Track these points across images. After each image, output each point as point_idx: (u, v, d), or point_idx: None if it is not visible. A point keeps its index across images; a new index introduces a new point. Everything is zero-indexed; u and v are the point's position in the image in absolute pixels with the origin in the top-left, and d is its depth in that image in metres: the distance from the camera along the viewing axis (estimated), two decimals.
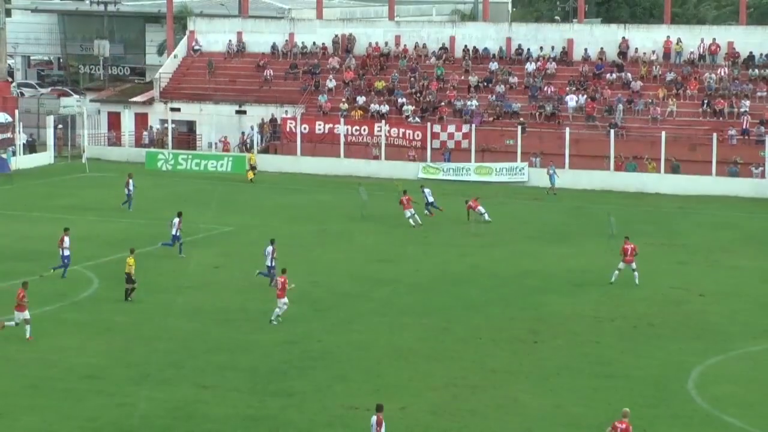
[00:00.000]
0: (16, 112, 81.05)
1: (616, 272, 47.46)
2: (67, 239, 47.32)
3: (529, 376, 35.76)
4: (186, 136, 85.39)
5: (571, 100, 77.85)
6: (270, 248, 46.31)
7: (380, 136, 77.59)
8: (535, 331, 40.63)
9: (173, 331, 40.32)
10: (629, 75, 79.84)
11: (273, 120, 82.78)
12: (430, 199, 61.44)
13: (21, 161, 78.55)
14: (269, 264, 46.08)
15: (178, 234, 51.52)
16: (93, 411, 32.23)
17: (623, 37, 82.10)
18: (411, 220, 58.83)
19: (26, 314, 38.98)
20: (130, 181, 62.86)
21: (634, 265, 47.09)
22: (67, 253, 47.27)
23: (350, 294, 45.66)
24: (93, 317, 41.97)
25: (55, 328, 40.48)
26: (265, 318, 41.53)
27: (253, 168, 74.82)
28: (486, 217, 59.76)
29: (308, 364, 36.44)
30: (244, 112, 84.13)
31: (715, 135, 71.82)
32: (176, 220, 51.65)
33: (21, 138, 79.84)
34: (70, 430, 30.83)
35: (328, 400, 33.27)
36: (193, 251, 52.72)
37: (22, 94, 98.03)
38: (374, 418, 28.52)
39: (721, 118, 75.68)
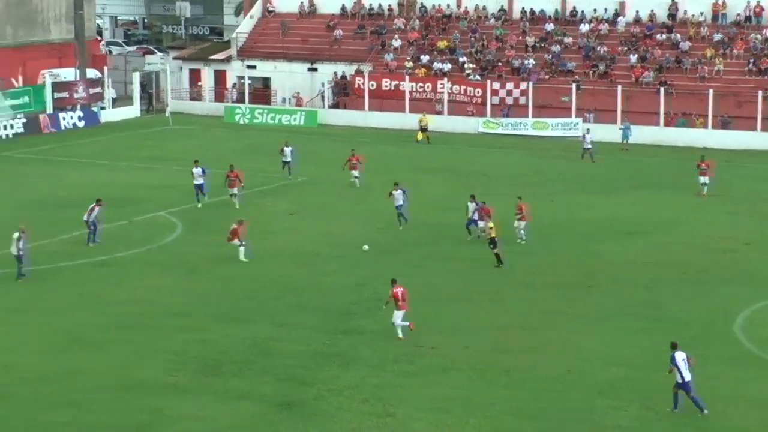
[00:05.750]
0: (105, 68, 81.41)
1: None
2: None
3: (582, 319, 35.61)
4: (261, 91, 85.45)
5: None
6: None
7: (443, 92, 77.29)
8: (589, 275, 40.41)
9: (252, 273, 40.51)
10: (678, 36, 78.76)
11: (343, 77, 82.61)
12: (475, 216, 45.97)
13: (109, 114, 79.01)
14: None
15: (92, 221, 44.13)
16: (179, 345, 32.56)
17: (673, 0, 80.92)
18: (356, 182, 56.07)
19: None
20: (285, 148, 58.05)
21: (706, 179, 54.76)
22: None
23: (416, 242, 45.54)
24: (178, 260, 42.29)
25: (143, 269, 40.87)
26: (336, 261, 41.66)
27: (424, 129, 71.51)
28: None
29: (377, 305, 36.41)
30: (315, 70, 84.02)
31: (760, 93, 70.77)
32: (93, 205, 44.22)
33: (110, 93, 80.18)
34: (159, 363, 31.16)
35: (395, 339, 33.29)
36: (269, 199, 52.94)
37: (110, 52, 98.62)
38: (683, 355, 27.72)
39: (766, 77, 74.49)
